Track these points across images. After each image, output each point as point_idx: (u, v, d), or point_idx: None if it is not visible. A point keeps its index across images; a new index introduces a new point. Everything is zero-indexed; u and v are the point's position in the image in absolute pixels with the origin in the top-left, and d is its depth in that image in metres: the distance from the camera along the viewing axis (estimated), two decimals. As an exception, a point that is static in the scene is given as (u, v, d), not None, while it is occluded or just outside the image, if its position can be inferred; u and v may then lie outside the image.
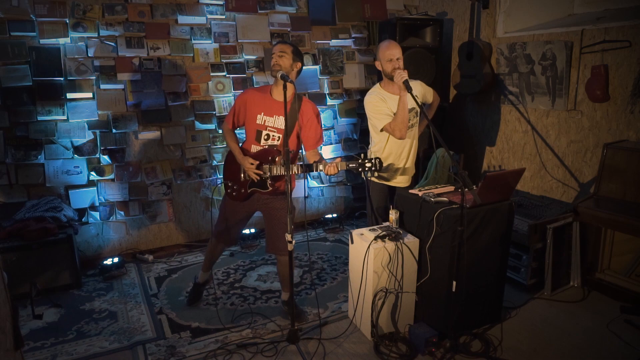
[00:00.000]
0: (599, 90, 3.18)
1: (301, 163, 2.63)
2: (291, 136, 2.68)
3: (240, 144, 2.81)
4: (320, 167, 2.55)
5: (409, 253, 2.64)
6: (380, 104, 2.88)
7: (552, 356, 2.53)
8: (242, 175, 2.73)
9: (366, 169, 2.49)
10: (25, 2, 3.30)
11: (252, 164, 2.63)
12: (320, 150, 3.07)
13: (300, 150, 2.83)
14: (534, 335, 2.71)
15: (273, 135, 2.70)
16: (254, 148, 2.74)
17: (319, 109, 2.86)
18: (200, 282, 3.14)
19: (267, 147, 2.70)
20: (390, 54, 2.79)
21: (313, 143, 2.76)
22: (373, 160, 2.49)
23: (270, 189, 2.68)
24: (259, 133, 2.71)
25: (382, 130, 2.90)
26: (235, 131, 2.85)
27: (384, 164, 3.01)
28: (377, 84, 3.02)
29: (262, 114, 2.69)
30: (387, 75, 2.85)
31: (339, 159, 2.55)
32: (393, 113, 2.86)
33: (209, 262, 3.08)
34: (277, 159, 2.63)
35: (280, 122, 2.66)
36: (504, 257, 2.75)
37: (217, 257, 3.11)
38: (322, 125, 2.83)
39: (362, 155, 2.56)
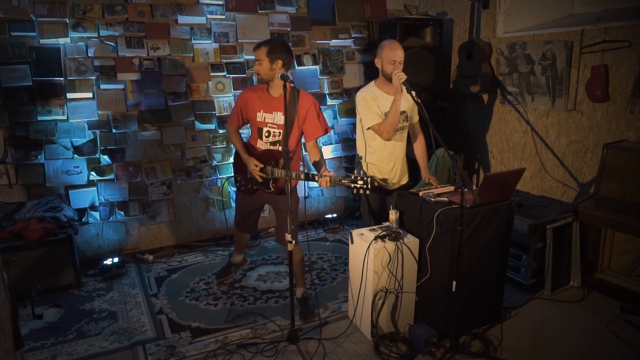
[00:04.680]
0: (599, 90, 3.18)
1: (305, 171, 2.65)
2: (292, 133, 2.72)
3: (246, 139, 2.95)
4: (317, 178, 2.57)
5: (409, 253, 2.64)
6: (372, 103, 2.85)
7: (552, 356, 2.53)
8: (248, 172, 2.83)
9: (358, 186, 2.48)
10: (25, 2, 3.30)
11: (256, 165, 2.72)
12: (321, 144, 3.06)
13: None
14: (534, 335, 2.71)
15: (274, 132, 2.77)
16: (259, 144, 2.83)
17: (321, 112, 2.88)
18: (233, 263, 3.42)
19: (270, 148, 2.79)
20: (395, 55, 2.74)
21: (312, 133, 2.79)
22: (365, 179, 2.47)
23: (273, 190, 2.79)
24: (260, 130, 2.79)
25: (368, 128, 2.89)
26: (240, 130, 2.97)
27: (375, 165, 3.00)
28: (372, 82, 2.96)
29: (262, 111, 2.76)
30: (386, 76, 2.80)
31: (332, 174, 2.56)
32: (384, 113, 2.84)
33: (238, 247, 3.37)
34: (280, 162, 2.70)
35: (279, 118, 2.73)
36: (503, 257, 2.75)
37: (245, 243, 3.40)
38: (324, 116, 2.86)
39: (354, 172, 2.56)
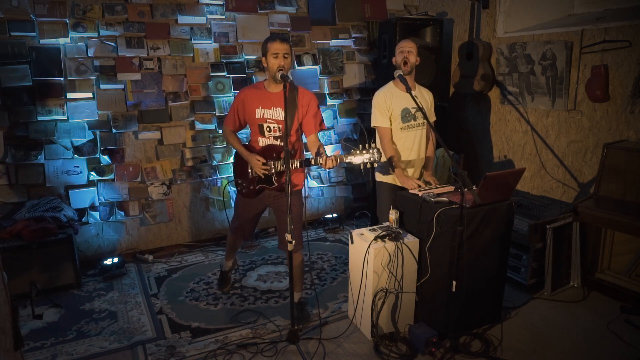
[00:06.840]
0: (599, 90, 3.18)
1: (303, 159, 2.61)
2: (292, 130, 2.68)
3: (247, 141, 2.90)
4: (320, 161, 2.51)
5: (409, 253, 2.64)
6: (383, 104, 2.96)
7: (552, 356, 2.53)
8: (249, 172, 2.78)
9: (365, 160, 2.41)
10: (25, 2, 3.30)
11: (258, 160, 2.66)
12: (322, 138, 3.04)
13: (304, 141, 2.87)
14: (534, 335, 2.71)
15: (273, 127, 2.72)
16: (262, 141, 2.76)
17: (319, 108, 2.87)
18: (225, 270, 3.36)
19: (273, 143, 2.73)
20: (401, 45, 2.93)
21: (312, 128, 2.75)
22: (371, 151, 2.39)
23: (277, 184, 2.72)
24: (261, 126, 2.74)
25: (373, 127, 3.02)
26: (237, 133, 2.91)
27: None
28: (391, 81, 3.05)
29: (260, 107, 2.72)
30: (398, 67, 2.93)
31: (337, 152, 2.49)
32: (399, 111, 2.95)
33: (230, 253, 3.29)
34: (281, 155, 2.64)
35: (278, 113, 2.69)
36: (503, 257, 2.75)
37: (237, 249, 3.33)
38: (321, 111, 2.86)
39: (360, 146, 2.44)
